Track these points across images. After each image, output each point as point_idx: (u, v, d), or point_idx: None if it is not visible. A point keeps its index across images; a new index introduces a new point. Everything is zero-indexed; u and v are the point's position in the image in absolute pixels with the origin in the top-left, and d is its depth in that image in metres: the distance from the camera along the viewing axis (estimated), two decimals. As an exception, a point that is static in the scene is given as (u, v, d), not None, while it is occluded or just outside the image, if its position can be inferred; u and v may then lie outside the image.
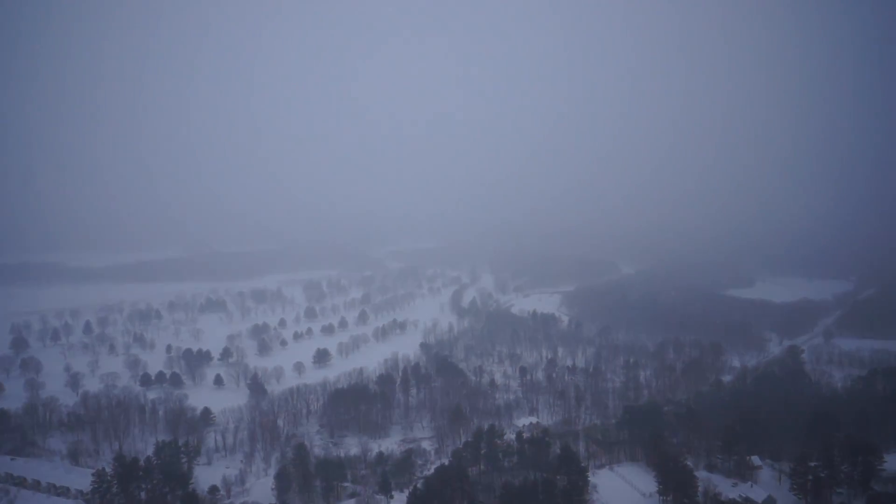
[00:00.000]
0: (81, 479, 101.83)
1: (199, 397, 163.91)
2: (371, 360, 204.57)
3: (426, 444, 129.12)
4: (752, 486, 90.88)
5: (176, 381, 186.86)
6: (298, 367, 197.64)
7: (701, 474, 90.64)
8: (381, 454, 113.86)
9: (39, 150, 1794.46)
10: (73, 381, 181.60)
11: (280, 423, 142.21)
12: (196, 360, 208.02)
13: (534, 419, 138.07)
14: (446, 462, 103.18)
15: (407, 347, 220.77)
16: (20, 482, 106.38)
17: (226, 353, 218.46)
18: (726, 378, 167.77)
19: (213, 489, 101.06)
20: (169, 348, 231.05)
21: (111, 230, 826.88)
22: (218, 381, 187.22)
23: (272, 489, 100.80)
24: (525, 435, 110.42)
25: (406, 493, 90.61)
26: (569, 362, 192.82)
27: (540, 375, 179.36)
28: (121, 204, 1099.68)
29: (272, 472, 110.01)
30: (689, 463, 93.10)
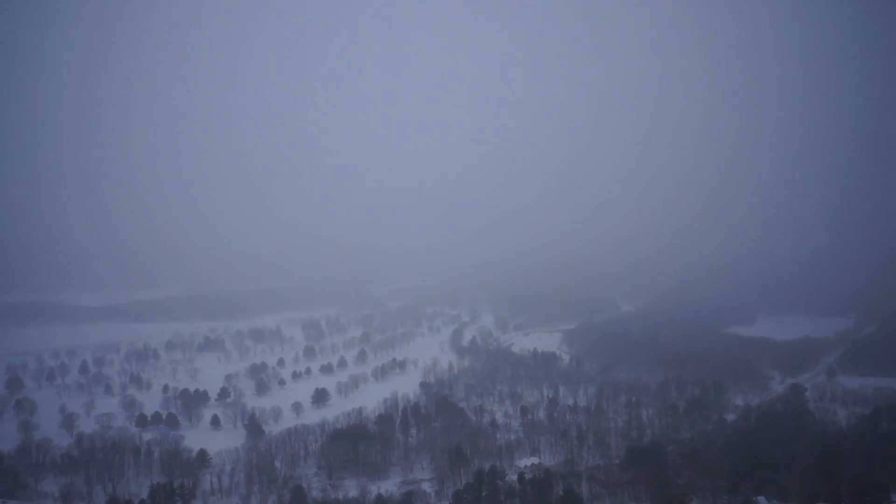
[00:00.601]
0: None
1: (196, 438, 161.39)
2: (370, 399, 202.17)
3: (426, 486, 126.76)
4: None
5: (172, 421, 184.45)
6: (297, 408, 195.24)
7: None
8: (380, 496, 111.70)
9: (36, 184, 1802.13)
10: (68, 421, 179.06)
11: (277, 464, 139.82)
12: (193, 400, 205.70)
13: (536, 460, 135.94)
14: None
15: (406, 387, 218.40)
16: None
17: (223, 393, 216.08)
18: (730, 417, 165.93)
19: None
20: (166, 388, 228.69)
21: (111, 269, 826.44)
22: (215, 421, 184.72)
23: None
24: (527, 476, 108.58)
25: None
26: (570, 401, 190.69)
27: (541, 415, 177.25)
28: (120, 242, 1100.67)
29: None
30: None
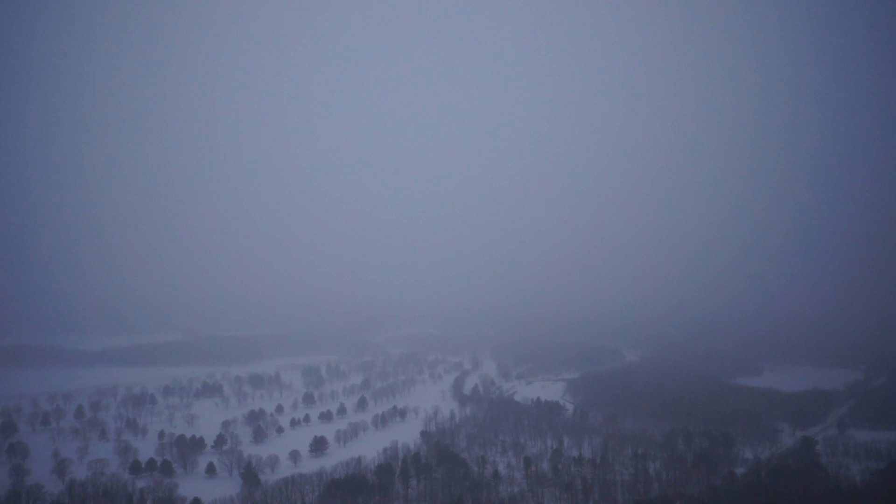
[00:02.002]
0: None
1: (190, 487, 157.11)
2: (370, 448, 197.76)
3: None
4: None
5: (167, 468, 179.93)
6: (294, 456, 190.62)
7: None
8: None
9: (33, 224, 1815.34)
10: (60, 467, 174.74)
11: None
12: (188, 447, 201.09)
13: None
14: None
15: (407, 435, 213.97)
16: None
17: (220, 440, 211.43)
18: (739, 471, 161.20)
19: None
20: (161, 434, 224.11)
21: (109, 313, 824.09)
22: (210, 469, 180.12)
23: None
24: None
25: None
26: (575, 453, 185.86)
27: (545, 466, 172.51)
28: (120, 286, 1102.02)
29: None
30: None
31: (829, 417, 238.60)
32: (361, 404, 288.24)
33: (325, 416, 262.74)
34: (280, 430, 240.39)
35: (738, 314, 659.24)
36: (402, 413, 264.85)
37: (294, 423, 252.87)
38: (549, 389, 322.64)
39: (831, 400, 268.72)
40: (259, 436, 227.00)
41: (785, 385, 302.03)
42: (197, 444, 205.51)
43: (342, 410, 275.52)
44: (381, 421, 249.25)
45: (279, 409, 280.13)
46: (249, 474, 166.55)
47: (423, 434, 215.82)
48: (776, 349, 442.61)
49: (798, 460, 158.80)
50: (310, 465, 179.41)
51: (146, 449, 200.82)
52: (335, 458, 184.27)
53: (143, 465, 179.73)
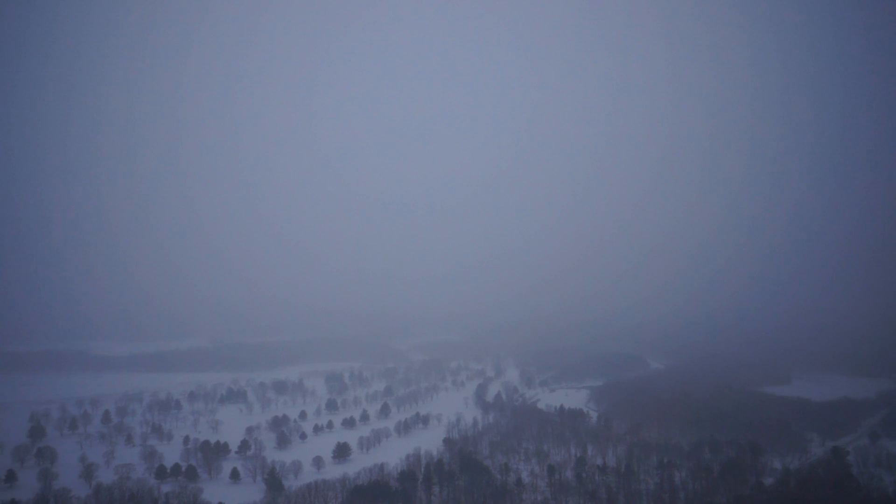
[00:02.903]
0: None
1: (214, 492, 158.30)
2: (393, 455, 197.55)
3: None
4: None
5: (191, 474, 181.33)
6: (317, 462, 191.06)
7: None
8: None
9: (60, 231, 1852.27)
10: (87, 472, 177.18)
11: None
12: (213, 452, 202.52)
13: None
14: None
15: (430, 442, 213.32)
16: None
17: (244, 446, 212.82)
18: (768, 481, 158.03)
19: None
20: (186, 440, 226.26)
21: (137, 319, 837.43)
22: (234, 474, 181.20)
23: None
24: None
25: None
26: (599, 461, 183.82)
27: (569, 474, 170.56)
28: (145, 292, 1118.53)
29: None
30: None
31: (861, 427, 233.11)
32: (384, 411, 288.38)
33: (348, 423, 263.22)
34: (303, 436, 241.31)
35: (764, 321, 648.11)
36: (425, 420, 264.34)
37: (317, 429, 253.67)
38: (572, 397, 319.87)
39: (862, 409, 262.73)
40: (283, 442, 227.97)
41: (814, 394, 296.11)
42: (221, 449, 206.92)
43: (365, 417, 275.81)
44: (404, 428, 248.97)
45: (302, 415, 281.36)
46: (273, 480, 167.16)
47: (446, 441, 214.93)
48: (804, 357, 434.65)
49: (828, 471, 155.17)
50: (333, 472, 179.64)
51: (171, 454, 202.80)
52: (358, 465, 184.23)
53: (168, 471, 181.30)
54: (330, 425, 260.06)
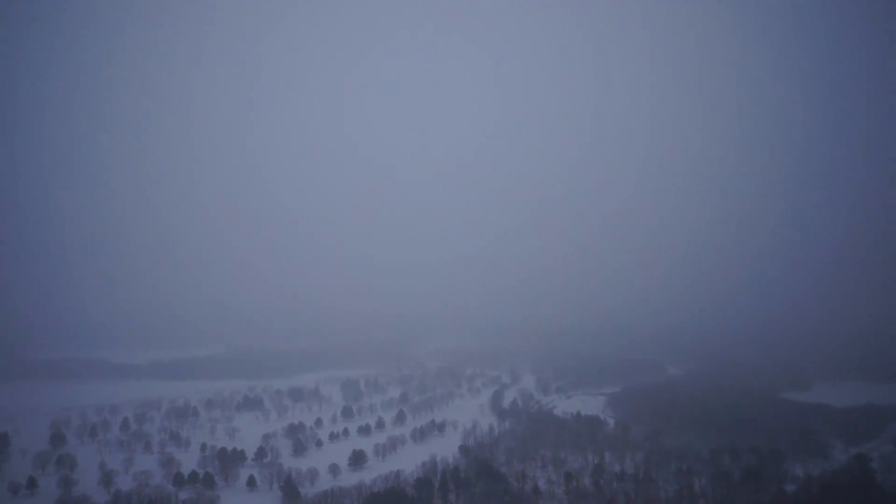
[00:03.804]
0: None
1: (231, 499, 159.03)
2: (409, 462, 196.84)
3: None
4: None
5: (209, 481, 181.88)
6: (333, 469, 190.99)
7: None
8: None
9: (78, 237, 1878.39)
10: (106, 479, 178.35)
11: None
12: (230, 459, 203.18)
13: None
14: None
15: (446, 450, 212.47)
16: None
17: (260, 453, 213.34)
18: (790, 488, 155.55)
19: None
20: (204, 447, 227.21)
21: (154, 327, 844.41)
22: (251, 482, 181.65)
23: None
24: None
25: None
26: (617, 468, 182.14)
27: (586, 482, 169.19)
28: (162, 300, 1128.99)
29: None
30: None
31: (885, 433, 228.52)
32: (400, 418, 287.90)
33: (364, 430, 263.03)
34: (319, 443, 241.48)
35: (783, 326, 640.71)
36: (441, 427, 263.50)
37: (333, 436, 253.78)
38: (589, 403, 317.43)
39: (887, 415, 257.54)
40: (299, 449, 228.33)
41: (835, 400, 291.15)
42: (238, 456, 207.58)
43: (381, 424, 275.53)
44: (420, 435, 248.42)
45: (318, 422, 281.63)
46: (289, 487, 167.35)
47: (462, 448, 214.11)
48: (824, 362, 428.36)
49: (851, 478, 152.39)
50: (349, 479, 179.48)
51: (189, 461, 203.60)
52: (374, 472, 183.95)
53: (185, 478, 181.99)
54: (346, 432, 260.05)
